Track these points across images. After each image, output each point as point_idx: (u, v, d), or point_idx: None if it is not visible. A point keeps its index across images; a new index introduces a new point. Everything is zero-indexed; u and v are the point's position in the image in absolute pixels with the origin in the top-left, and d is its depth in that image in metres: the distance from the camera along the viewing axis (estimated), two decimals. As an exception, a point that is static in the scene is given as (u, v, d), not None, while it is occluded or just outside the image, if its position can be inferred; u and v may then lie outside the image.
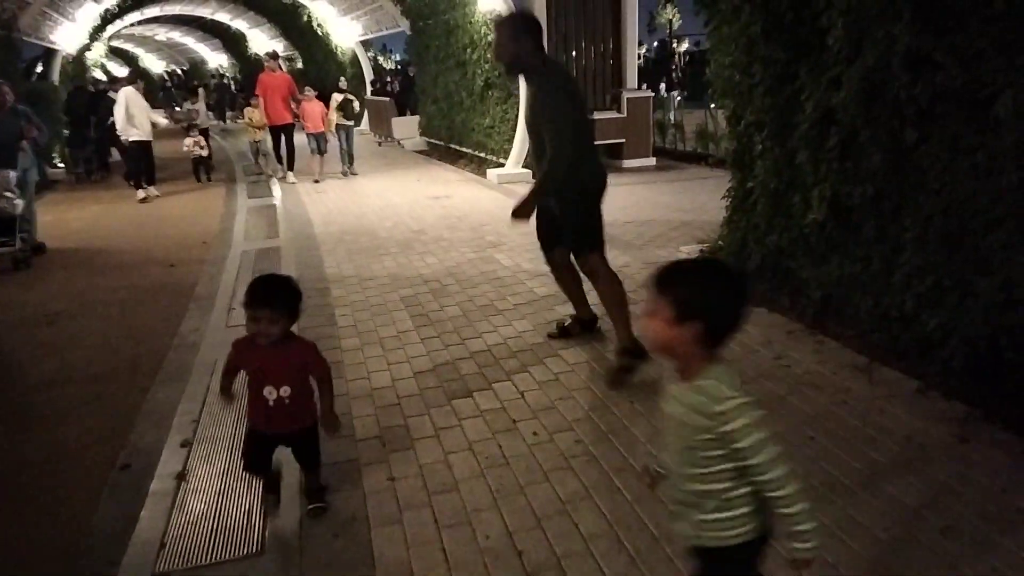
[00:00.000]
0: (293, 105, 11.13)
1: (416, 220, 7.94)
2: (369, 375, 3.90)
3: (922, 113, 3.34)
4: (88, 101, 13.26)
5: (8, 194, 6.78)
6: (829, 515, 2.54)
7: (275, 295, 2.57)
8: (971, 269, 3.33)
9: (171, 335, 4.72)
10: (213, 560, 2.49)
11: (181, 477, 3.01)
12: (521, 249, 6.36)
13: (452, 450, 3.11)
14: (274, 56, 11.44)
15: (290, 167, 11.22)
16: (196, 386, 3.86)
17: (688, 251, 5.61)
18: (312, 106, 11.12)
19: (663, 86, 21.56)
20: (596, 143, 4.40)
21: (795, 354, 3.94)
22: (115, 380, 4.13)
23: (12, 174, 6.85)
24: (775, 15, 3.98)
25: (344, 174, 11.43)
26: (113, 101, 11.73)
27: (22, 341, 4.95)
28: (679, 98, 18.96)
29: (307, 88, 11.61)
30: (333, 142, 11.68)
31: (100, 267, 6.77)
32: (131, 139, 10.37)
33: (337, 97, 11.80)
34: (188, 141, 12.11)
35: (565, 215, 4.02)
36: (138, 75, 13.41)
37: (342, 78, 12.02)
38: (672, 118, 13.44)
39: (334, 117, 11.55)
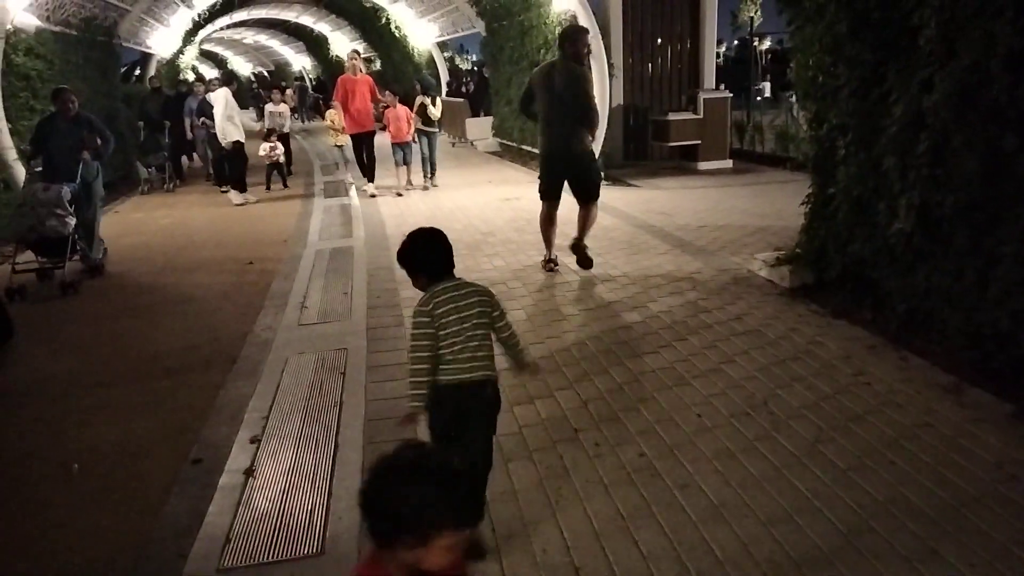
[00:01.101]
0: (377, 109, 10.28)
1: (485, 222, 7.95)
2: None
3: (1022, 119, 3.11)
4: (164, 105, 12.62)
5: (59, 211, 6.16)
6: (907, 546, 2.39)
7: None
8: (1075, 286, 3.08)
9: (246, 332, 4.86)
10: (275, 559, 2.53)
11: (249, 473, 3.09)
12: (591, 253, 6.28)
13: (511, 459, 3.08)
14: (356, 55, 10.22)
15: (370, 178, 10.20)
16: (267, 383, 3.96)
17: (764, 258, 5.41)
18: (396, 112, 10.11)
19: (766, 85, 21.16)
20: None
21: (876, 371, 3.73)
22: (190, 375, 4.29)
23: (67, 190, 6.26)
24: (861, 14, 3.78)
25: (424, 188, 10.40)
26: (180, 105, 12.04)
27: (104, 334, 5.18)
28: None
29: (387, 92, 10.75)
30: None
31: (182, 265, 7.05)
32: (232, 140, 10.36)
33: (424, 100, 10.58)
34: (265, 146, 11.58)
35: (589, 173, 5.75)
36: (233, 77, 13.39)
37: (429, 79, 11.06)
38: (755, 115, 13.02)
39: (413, 123, 10.56)
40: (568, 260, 5.91)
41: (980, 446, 2.98)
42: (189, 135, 12.29)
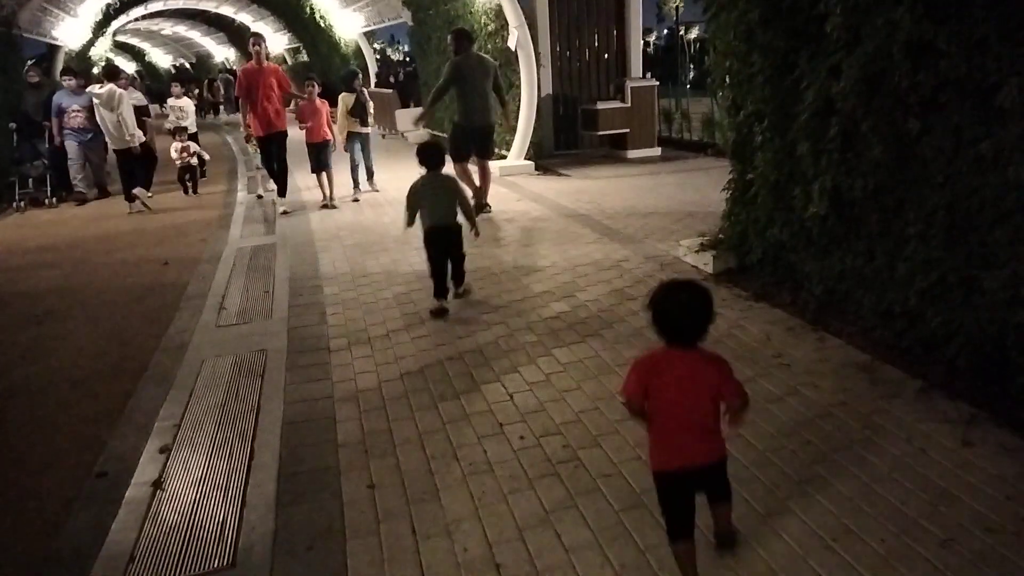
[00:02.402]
0: (288, 104, 8.69)
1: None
2: (356, 376, 3.81)
3: (925, 103, 3.20)
4: (45, 103, 10.25)
5: None
6: (822, 524, 2.44)
7: None
8: (977, 265, 3.20)
9: (159, 336, 4.64)
10: (183, 575, 2.40)
11: (157, 485, 2.93)
12: (518, 244, 6.26)
13: (435, 455, 3.02)
14: (259, 40, 8.08)
15: (282, 191, 8.45)
16: (180, 389, 3.79)
17: (688, 244, 5.47)
18: (315, 106, 8.52)
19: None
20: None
21: (795, 352, 3.81)
22: (99, 383, 4.07)
23: None
24: (773, 2, 3.83)
25: (356, 200, 8.80)
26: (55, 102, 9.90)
27: (7, 343, 4.88)
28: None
29: (308, 81, 8.78)
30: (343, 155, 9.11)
31: (93, 267, 6.70)
32: (138, 144, 9.29)
33: (348, 98, 8.83)
34: (176, 146, 10.34)
35: (489, 136, 7.56)
36: (133, 78, 11.06)
37: (358, 73, 9.28)
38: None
39: (344, 124, 8.86)
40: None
41: (891, 422, 3.07)
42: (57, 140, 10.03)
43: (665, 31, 52.74)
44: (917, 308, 3.52)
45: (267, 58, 8.21)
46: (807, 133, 3.94)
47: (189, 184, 10.47)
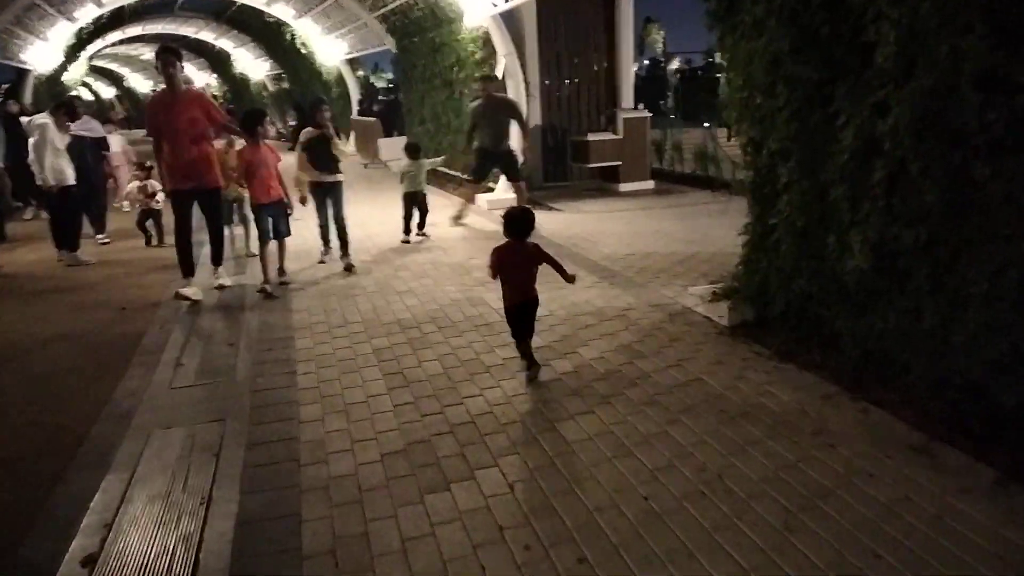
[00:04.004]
0: (218, 145, 6.47)
1: (397, 253, 7.30)
2: (328, 458, 3.24)
3: (993, 144, 2.74)
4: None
5: None
6: None
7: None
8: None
9: (103, 401, 4.04)
10: None
11: (74, 614, 2.35)
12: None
13: (421, 573, 2.46)
14: (173, 57, 5.67)
15: (217, 257, 6.21)
16: (118, 473, 3.19)
17: (700, 293, 4.99)
18: (259, 154, 5.92)
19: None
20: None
21: (837, 428, 3.31)
22: (19, 465, 3.45)
23: None
24: (807, 29, 3.38)
25: (322, 262, 6.91)
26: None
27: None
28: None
29: (319, 109, 6.53)
30: (308, 217, 6.88)
31: (41, 312, 6.08)
32: (68, 183, 7.65)
33: (308, 136, 6.48)
34: (133, 186, 8.44)
35: (506, 158, 8.40)
36: (65, 104, 8.23)
37: (324, 101, 6.95)
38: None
39: (302, 175, 6.50)
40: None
41: (968, 525, 2.56)
42: None
43: (646, 62, 53.17)
44: (980, 380, 3.04)
45: (187, 82, 6.29)
46: (844, 175, 3.47)
47: (152, 231, 8.58)
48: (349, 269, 6.60)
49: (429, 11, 11.86)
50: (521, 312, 3.95)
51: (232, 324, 5.24)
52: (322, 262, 6.97)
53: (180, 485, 3.05)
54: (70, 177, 7.61)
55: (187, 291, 5.78)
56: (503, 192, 9.61)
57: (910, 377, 3.42)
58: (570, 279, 4.09)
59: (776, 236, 4.19)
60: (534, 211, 4.26)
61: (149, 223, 8.54)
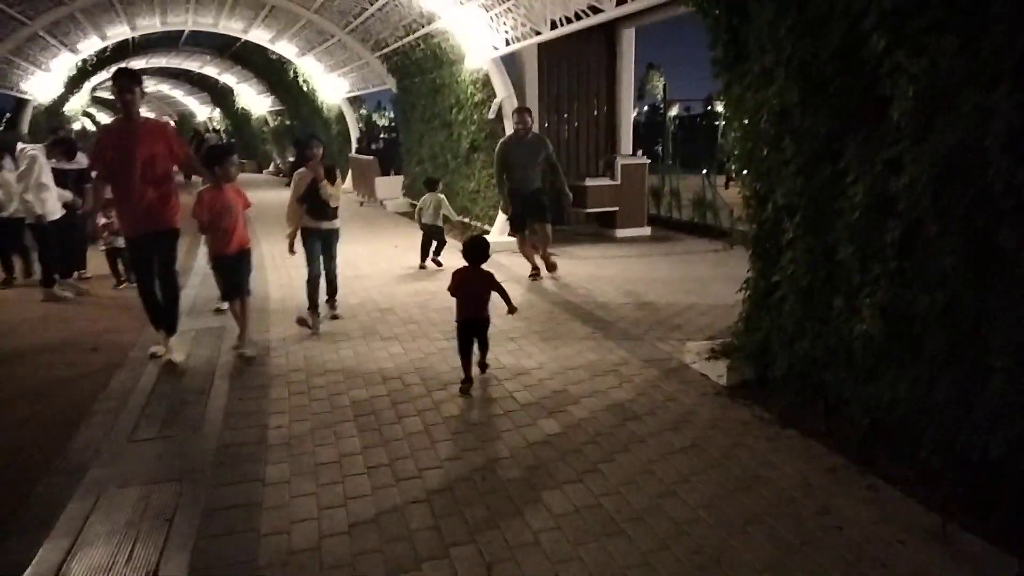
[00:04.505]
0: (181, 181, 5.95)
1: (386, 296, 7.08)
2: (291, 528, 2.96)
3: (1021, 209, 2.54)
4: None
5: None
6: None
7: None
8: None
9: (57, 452, 3.77)
10: None
11: None
12: (500, 337, 5.49)
13: (382, 674, 2.17)
14: (130, 81, 4.87)
15: (171, 324, 5.28)
16: (59, 539, 2.91)
17: (697, 350, 4.76)
18: (220, 196, 5.06)
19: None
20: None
21: (844, 505, 3.05)
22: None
23: None
24: (817, 81, 3.22)
25: (311, 327, 5.85)
26: None
27: None
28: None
29: (311, 148, 5.86)
30: (298, 266, 6.44)
31: (4, 353, 5.79)
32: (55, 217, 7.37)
33: (301, 178, 5.82)
34: (99, 222, 7.38)
35: (545, 203, 7.68)
36: (64, 142, 8.29)
37: (315, 138, 6.16)
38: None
39: (294, 216, 5.90)
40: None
41: (996, 630, 2.29)
42: None
43: (646, 108, 53.69)
44: (1004, 460, 2.79)
45: (138, 112, 4.99)
46: (854, 234, 3.27)
47: (123, 271, 7.94)
48: (336, 317, 6.23)
49: (431, 52, 11.84)
50: (470, 327, 4.54)
51: (205, 368, 4.98)
52: (306, 324, 5.83)
53: (125, 557, 2.77)
54: (52, 212, 7.39)
55: (157, 348, 5.21)
56: (498, 235, 9.43)
57: (923, 452, 3.17)
58: (512, 310, 4.73)
59: (779, 294, 3.98)
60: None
61: (118, 261, 7.95)
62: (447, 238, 8.83)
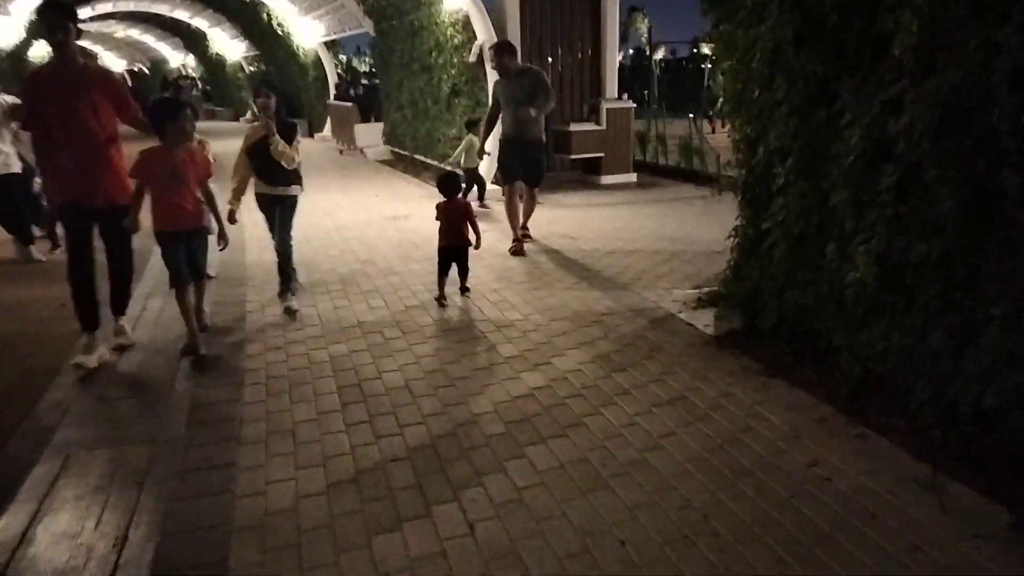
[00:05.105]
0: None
1: (367, 247, 6.90)
2: (267, 488, 2.87)
3: (1026, 150, 2.42)
4: None
5: None
6: None
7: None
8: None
9: (27, 411, 3.64)
10: None
11: None
12: (484, 289, 5.38)
13: (362, 640, 2.11)
14: (56, 19, 3.96)
15: (120, 305, 4.51)
16: (23, 504, 2.80)
17: (683, 298, 4.67)
18: (168, 165, 4.10)
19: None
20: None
21: (834, 457, 2.99)
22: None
23: None
24: (814, 17, 3.04)
25: (289, 312, 4.95)
26: None
27: None
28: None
29: (261, 97, 4.82)
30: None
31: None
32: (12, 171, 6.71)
33: (252, 133, 4.93)
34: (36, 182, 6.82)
35: (541, 164, 6.67)
36: None
37: (268, 86, 5.32)
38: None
39: (242, 177, 5.00)
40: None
41: (987, 581, 2.26)
42: None
43: (631, 51, 52.61)
44: (997, 412, 2.74)
45: (83, 53, 4.37)
46: (849, 179, 3.15)
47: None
48: (290, 313, 4.92)
49: (408, -8, 11.39)
50: (450, 253, 5.13)
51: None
52: (287, 305, 5.00)
53: (93, 523, 2.67)
54: (13, 166, 7.02)
55: (85, 359, 4.08)
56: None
57: (914, 402, 3.12)
58: (476, 246, 5.19)
59: (769, 241, 3.87)
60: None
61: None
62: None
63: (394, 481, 2.90)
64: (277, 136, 4.78)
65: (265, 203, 5.08)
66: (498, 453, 3.10)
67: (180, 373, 4.02)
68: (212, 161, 4.55)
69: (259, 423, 3.42)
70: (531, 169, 6.53)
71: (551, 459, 3.04)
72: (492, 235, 6.93)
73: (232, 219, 4.89)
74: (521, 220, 6.71)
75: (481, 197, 8.76)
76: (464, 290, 5.20)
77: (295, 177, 5.01)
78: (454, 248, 5.12)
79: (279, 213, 5.05)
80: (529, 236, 6.88)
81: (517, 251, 6.42)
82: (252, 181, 5.04)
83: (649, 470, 2.95)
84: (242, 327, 4.75)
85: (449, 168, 8.02)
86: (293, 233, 5.17)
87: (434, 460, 3.06)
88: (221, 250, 4.59)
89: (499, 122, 6.85)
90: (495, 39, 9.23)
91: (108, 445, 3.25)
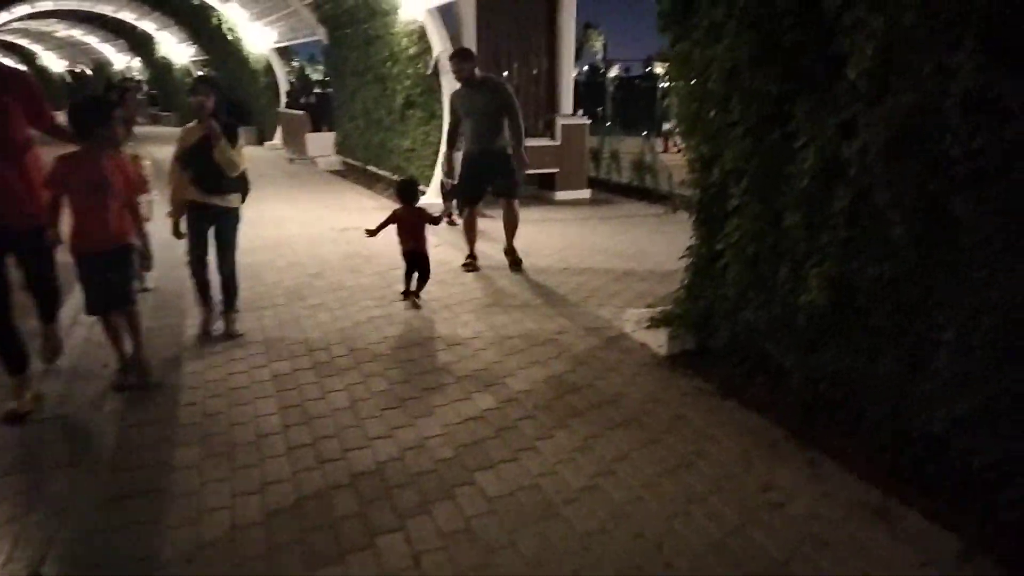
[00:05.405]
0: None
1: (315, 260, 6.72)
2: (200, 517, 2.70)
3: (979, 175, 2.43)
4: None
5: None
6: None
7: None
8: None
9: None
10: None
11: None
12: (436, 305, 5.26)
13: None
14: None
15: (48, 315, 3.98)
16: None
17: (636, 318, 4.63)
18: (90, 174, 3.56)
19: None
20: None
21: (785, 482, 2.96)
22: None
23: None
24: (769, 37, 3.03)
25: (206, 333, 4.64)
26: None
27: None
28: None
29: (199, 93, 4.32)
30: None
31: None
32: None
33: (188, 135, 4.44)
34: None
35: (512, 172, 6.15)
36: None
37: (208, 83, 4.74)
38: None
39: (177, 187, 4.46)
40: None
41: (940, 611, 2.23)
42: None
43: (585, 68, 53.21)
44: (947, 436, 2.74)
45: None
46: (802, 201, 3.15)
47: None
48: (232, 336, 4.58)
49: (363, 1, 11.25)
50: (412, 258, 5.31)
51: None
52: (229, 330, 4.64)
53: (2, 559, 2.46)
54: None
55: (17, 405, 3.50)
56: (434, 196, 9.11)
57: (865, 426, 3.11)
58: (435, 221, 5.39)
59: (723, 261, 3.86)
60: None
61: None
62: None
63: (337, 509, 2.76)
64: (223, 139, 4.28)
65: (199, 216, 4.48)
66: (446, 479, 2.98)
67: (108, 392, 3.79)
68: (147, 180, 4.29)
69: (193, 446, 3.23)
70: (505, 181, 6.13)
71: (501, 485, 2.93)
72: (445, 250, 6.82)
73: (178, 233, 4.55)
74: (507, 240, 6.35)
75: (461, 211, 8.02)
76: (416, 295, 5.33)
77: (238, 185, 4.53)
78: (414, 253, 5.32)
79: (219, 232, 4.55)
80: (519, 260, 6.32)
81: (470, 267, 6.30)
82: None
83: (602, 496, 2.87)
84: (179, 342, 4.53)
85: (407, 177, 7.12)
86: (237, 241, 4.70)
87: (380, 486, 2.92)
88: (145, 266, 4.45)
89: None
90: (450, 50, 9.17)
91: (24, 471, 3.02)
